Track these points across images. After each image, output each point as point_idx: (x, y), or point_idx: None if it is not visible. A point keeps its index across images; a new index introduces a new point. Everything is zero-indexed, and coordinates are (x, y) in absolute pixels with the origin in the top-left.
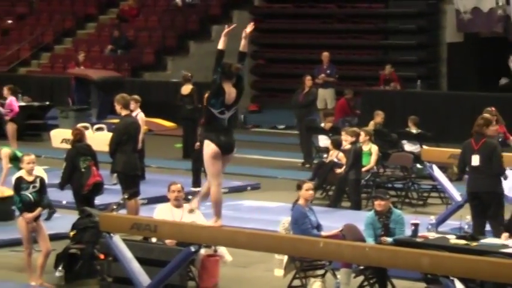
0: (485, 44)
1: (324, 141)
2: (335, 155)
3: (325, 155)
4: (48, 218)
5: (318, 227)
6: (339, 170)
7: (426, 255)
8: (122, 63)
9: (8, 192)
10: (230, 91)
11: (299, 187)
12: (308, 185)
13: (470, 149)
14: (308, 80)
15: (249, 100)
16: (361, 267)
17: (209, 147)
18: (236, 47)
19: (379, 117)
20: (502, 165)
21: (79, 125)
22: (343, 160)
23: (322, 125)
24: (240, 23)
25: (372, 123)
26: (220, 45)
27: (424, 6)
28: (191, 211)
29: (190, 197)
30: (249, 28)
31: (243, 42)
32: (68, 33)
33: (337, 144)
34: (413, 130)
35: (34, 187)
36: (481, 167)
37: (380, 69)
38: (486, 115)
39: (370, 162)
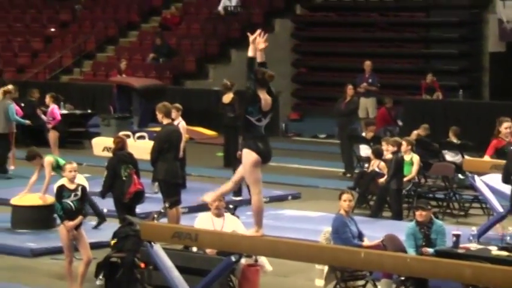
0: None
1: (365, 150)
2: (376, 165)
3: (366, 165)
4: (96, 227)
5: (360, 236)
6: (380, 180)
7: (468, 267)
8: (163, 71)
9: (51, 200)
10: (265, 98)
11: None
12: (347, 196)
13: None
14: (350, 89)
15: (290, 108)
16: (402, 278)
17: (250, 156)
18: (278, 55)
19: (423, 130)
20: None
21: (121, 133)
22: (385, 170)
23: (364, 134)
24: (282, 32)
25: (414, 133)
26: (250, 53)
27: (466, 15)
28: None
29: (231, 206)
30: (260, 39)
31: (258, 53)
32: (110, 41)
33: (378, 154)
34: (454, 140)
35: (76, 195)
36: None
37: (422, 78)
38: None
39: (411, 172)
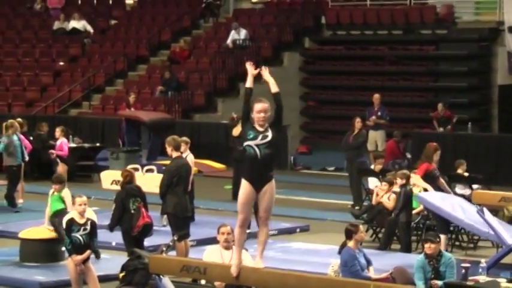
0: None
1: (374, 183)
2: (387, 196)
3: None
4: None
5: (368, 263)
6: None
7: None
8: (172, 104)
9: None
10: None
11: (349, 232)
12: (362, 227)
13: None
14: (358, 122)
15: (299, 141)
16: None
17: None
18: (286, 88)
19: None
20: None
21: (129, 167)
22: (393, 203)
23: (372, 167)
24: (291, 65)
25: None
26: (248, 84)
27: (475, 49)
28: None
29: None
30: (253, 70)
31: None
32: (119, 74)
33: (391, 183)
34: (461, 173)
35: (85, 229)
36: None
37: (431, 111)
38: None
39: (420, 204)
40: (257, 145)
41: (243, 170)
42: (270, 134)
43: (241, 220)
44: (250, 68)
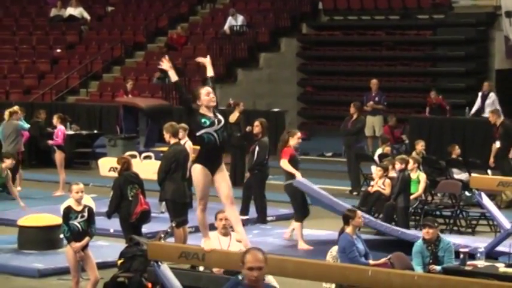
0: None
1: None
2: (382, 182)
3: (372, 182)
4: None
5: (366, 255)
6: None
7: (476, 284)
8: (170, 91)
9: (56, 220)
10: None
11: (347, 217)
12: (360, 212)
13: None
14: (351, 108)
15: (296, 127)
16: None
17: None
18: (284, 74)
19: (419, 145)
20: None
21: (127, 154)
22: (389, 187)
23: (379, 150)
24: (288, 51)
25: (414, 153)
26: (174, 78)
27: (472, 33)
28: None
29: None
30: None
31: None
32: (116, 61)
33: (386, 170)
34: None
35: (82, 216)
36: None
37: (428, 96)
38: None
39: (418, 189)
40: (215, 131)
41: (200, 156)
42: (221, 117)
43: (204, 205)
44: (166, 63)
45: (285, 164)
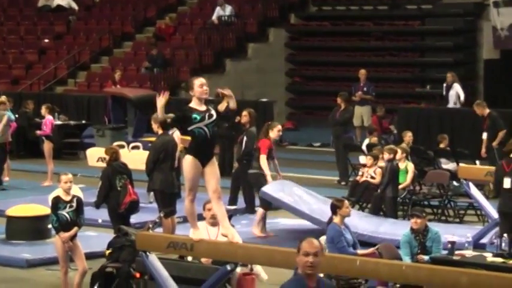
0: None
1: (364, 159)
2: (373, 170)
3: (360, 172)
4: None
5: (354, 245)
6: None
7: (464, 274)
8: (158, 81)
9: (45, 210)
10: None
11: (334, 207)
12: (348, 202)
13: (502, 172)
14: (338, 99)
15: (285, 118)
16: (398, 286)
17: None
18: (272, 65)
19: (407, 136)
20: None
21: (115, 144)
22: (380, 176)
23: (367, 141)
24: (277, 41)
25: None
26: (161, 116)
27: (461, 24)
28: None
29: None
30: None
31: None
32: (104, 52)
33: (376, 158)
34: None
35: (71, 206)
36: None
37: (417, 86)
38: None
39: (406, 179)
40: (206, 125)
41: (191, 148)
42: (212, 111)
43: (193, 195)
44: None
45: (263, 160)
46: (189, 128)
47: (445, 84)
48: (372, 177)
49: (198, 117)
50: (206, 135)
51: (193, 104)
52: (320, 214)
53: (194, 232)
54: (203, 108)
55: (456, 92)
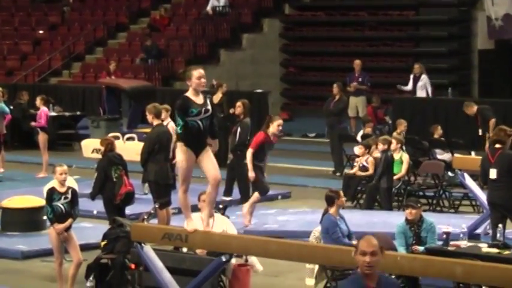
0: None
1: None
2: (365, 159)
3: (355, 163)
4: None
5: (349, 236)
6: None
7: (459, 264)
8: (152, 72)
9: (39, 202)
10: None
11: (331, 198)
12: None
13: (487, 162)
14: (334, 88)
15: (280, 108)
16: (393, 277)
17: None
18: (267, 55)
19: (402, 125)
20: None
21: (110, 135)
22: (372, 165)
23: (362, 131)
24: (271, 32)
25: (395, 134)
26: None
27: (455, 13)
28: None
29: (220, 206)
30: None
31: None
32: (99, 42)
33: (368, 147)
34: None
35: (66, 198)
36: (498, 180)
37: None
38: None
39: (401, 170)
40: (200, 119)
41: (184, 139)
42: (209, 106)
43: (187, 186)
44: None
45: (248, 155)
46: (187, 119)
47: (412, 76)
48: (364, 168)
49: (195, 111)
50: (199, 127)
51: (190, 94)
52: None
53: (188, 223)
54: (200, 100)
55: (424, 84)
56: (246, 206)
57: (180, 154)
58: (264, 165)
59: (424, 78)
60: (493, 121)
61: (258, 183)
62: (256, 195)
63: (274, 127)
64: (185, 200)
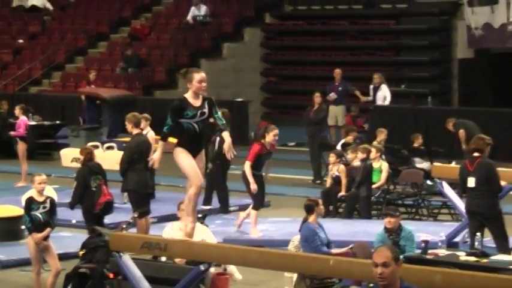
0: (496, 59)
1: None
2: (336, 169)
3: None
4: None
5: (329, 244)
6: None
7: (438, 273)
8: (133, 81)
9: (18, 211)
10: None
11: (310, 207)
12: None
13: (466, 171)
14: (317, 97)
15: (260, 117)
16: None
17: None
18: (247, 64)
19: (382, 134)
20: (499, 184)
21: (89, 144)
22: (343, 174)
23: (343, 140)
24: (252, 41)
25: (375, 142)
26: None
27: (436, 22)
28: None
29: (200, 215)
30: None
31: None
32: (79, 52)
33: (339, 156)
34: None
35: (44, 207)
36: (476, 188)
37: (393, 85)
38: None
39: (380, 179)
40: (196, 122)
41: (180, 142)
42: (206, 109)
43: (199, 187)
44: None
45: (246, 168)
46: (182, 121)
47: (372, 86)
48: (338, 178)
49: (190, 114)
50: (195, 130)
51: (189, 96)
52: None
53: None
54: (197, 103)
55: (384, 94)
56: (252, 222)
57: (180, 156)
58: (266, 174)
59: (383, 87)
60: (461, 132)
61: (257, 195)
62: (253, 211)
63: (270, 137)
64: (195, 202)
